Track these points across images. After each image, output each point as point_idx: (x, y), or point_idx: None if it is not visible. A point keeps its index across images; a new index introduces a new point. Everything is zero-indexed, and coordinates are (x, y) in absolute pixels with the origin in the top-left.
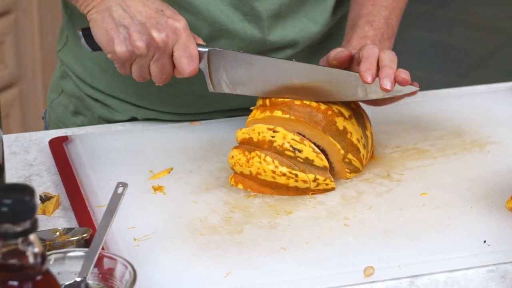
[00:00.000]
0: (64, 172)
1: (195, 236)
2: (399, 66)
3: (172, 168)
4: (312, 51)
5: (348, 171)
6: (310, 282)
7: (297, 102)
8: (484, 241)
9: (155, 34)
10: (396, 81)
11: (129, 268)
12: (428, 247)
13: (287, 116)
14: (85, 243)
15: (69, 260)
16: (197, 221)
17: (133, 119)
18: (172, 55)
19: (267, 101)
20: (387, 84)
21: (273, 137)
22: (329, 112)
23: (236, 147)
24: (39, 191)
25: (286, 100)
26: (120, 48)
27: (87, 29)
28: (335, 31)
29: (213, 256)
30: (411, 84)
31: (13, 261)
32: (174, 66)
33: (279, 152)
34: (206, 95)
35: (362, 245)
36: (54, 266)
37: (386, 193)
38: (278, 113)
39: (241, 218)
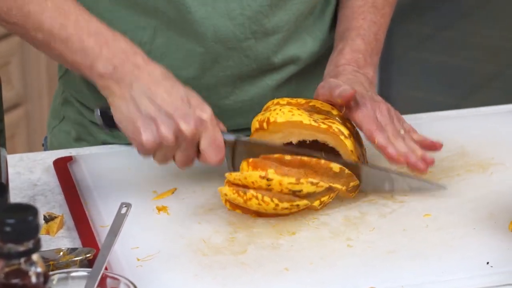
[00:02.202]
0: (68, 192)
1: (198, 256)
2: (403, 86)
3: (176, 189)
4: (313, 68)
5: (353, 194)
6: None
7: (288, 157)
8: (487, 263)
9: (183, 126)
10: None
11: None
12: (431, 268)
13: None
14: (89, 263)
15: (73, 280)
16: (201, 242)
17: None
18: (198, 144)
19: (270, 118)
20: (419, 166)
21: (269, 185)
22: (322, 161)
23: (228, 185)
24: (43, 211)
25: (275, 155)
26: (147, 140)
27: (106, 109)
28: (326, 51)
29: (216, 276)
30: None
31: (15, 281)
32: (199, 152)
33: (278, 194)
34: None
35: (365, 265)
36: (57, 286)
37: (390, 214)
38: (271, 172)
39: (244, 238)
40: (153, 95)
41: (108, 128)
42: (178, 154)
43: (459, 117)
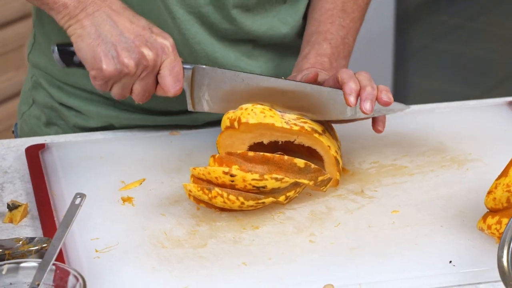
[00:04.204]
0: (36, 180)
1: (157, 249)
2: (426, 77)
3: (144, 179)
4: (281, 50)
5: (324, 188)
6: None
7: (251, 153)
8: (450, 261)
9: (145, 51)
10: (379, 103)
11: (80, 280)
12: (392, 266)
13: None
14: None
15: (23, 270)
16: (162, 234)
17: (109, 126)
18: (157, 74)
19: (241, 118)
20: (367, 107)
21: (232, 181)
22: (285, 157)
23: (193, 181)
24: (9, 199)
25: (239, 151)
26: (107, 66)
27: (63, 44)
28: (302, 32)
29: (173, 270)
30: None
31: None
32: (156, 84)
33: (242, 191)
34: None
35: (325, 262)
36: (6, 276)
37: (357, 209)
38: (236, 168)
39: (206, 232)
40: (115, 22)
41: (65, 64)
42: (137, 85)
43: (445, 111)
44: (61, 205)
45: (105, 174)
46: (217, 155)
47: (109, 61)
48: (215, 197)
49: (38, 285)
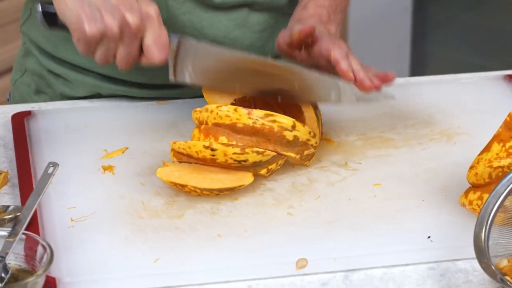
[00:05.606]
0: (19, 148)
1: (133, 219)
2: (451, 48)
3: (127, 148)
4: (276, 15)
5: (307, 162)
6: (238, 272)
7: (240, 125)
8: (428, 237)
9: (129, 16)
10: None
11: (48, 250)
12: (369, 240)
13: (234, 143)
14: None
15: None
16: (139, 204)
17: (96, 95)
18: (141, 41)
19: (208, 121)
20: (366, 83)
21: (213, 155)
22: (275, 129)
23: (173, 154)
24: None
25: (227, 122)
26: (90, 28)
27: (48, 4)
28: None
29: (147, 240)
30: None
31: None
32: (141, 51)
33: (223, 165)
34: None
35: (302, 235)
36: None
37: (339, 182)
38: (223, 140)
39: (184, 202)
40: None
41: (48, 25)
42: (120, 50)
43: (438, 83)
44: (41, 173)
45: (88, 142)
46: (203, 126)
47: (92, 23)
48: (189, 192)
49: (7, 254)
